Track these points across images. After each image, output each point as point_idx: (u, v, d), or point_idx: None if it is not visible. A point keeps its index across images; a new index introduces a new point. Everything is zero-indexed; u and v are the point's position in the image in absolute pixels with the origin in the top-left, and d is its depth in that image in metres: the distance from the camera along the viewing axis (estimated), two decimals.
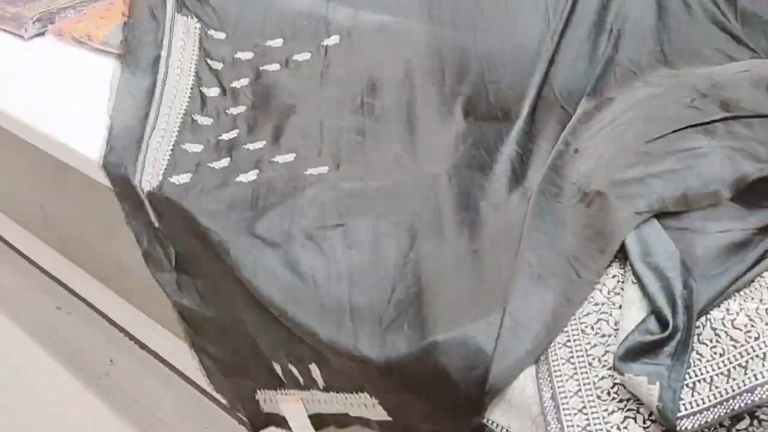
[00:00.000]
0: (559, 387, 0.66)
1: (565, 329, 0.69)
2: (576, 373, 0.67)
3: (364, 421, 0.83)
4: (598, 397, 0.65)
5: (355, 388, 0.80)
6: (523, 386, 0.67)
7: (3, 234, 1.99)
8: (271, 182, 0.95)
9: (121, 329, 1.70)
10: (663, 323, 0.65)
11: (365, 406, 0.80)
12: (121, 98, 1.13)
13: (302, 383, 0.87)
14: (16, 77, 1.33)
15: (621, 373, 0.63)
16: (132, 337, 1.68)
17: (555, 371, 0.67)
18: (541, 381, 0.67)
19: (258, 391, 0.96)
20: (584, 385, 0.66)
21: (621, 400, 0.65)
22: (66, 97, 1.22)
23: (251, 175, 0.97)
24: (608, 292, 0.70)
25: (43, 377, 1.60)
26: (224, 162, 1.01)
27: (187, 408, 1.51)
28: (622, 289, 0.71)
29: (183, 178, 0.98)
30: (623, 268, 0.72)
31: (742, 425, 0.63)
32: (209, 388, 1.05)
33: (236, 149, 1.03)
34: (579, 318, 0.69)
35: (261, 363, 0.91)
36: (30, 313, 1.79)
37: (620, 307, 0.69)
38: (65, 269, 1.75)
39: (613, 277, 0.71)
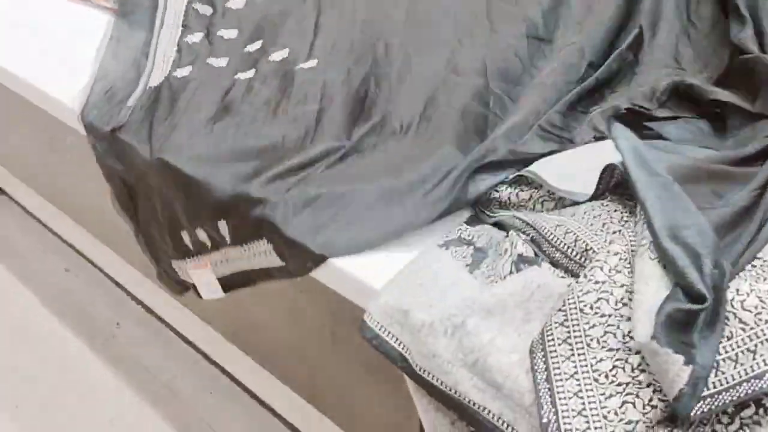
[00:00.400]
0: (554, 369, 0.63)
1: (563, 308, 0.65)
2: (573, 355, 0.63)
3: (265, 273, 0.89)
4: (596, 380, 0.62)
5: (256, 236, 0.85)
6: (516, 375, 0.63)
7: (14, 195, 1.99)
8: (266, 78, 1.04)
9: (128, 293, 1.69)
10: (695, 297, 0.60)
11: (265, 254, 0.86)
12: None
13: (210, 246, 0.94)
14: (17, 33, 1.31)
15: (658, 345, 0.58)
16: (138, 301, 1.67)
17: (551, 352, 0.64)
18: (535, 362, 0.63)
19: (173, 261, 1.04)
20: (581, 367, 0.63)
21: (619, 384, 0.61)
22: (68, 54, 1.19)
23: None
24: (609, 270, 0.66)
25: (48, 338, 1.60)
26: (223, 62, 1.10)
27: (190, 373, 1.51)
28: (627, 267, 0.67)
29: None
30: (629, 246, 0.68)
31: (747, 413, 0.59)
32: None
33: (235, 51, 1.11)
34: (578, 297, 0.65)
35: (173, 234, 1.00)
36: (39, 273, 1.79)
37: (622, 286, 0.65)
38: (74, 231, 1.74)
39: (615, 254, 0.67)
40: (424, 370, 0.68)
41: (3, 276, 1.79)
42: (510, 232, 0.77)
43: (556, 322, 0.65)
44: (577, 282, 0.67)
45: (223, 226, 0.89)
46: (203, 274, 0.98)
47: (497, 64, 0.97)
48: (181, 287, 1.09)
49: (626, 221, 0.74)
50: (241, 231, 0.87)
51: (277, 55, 1.08)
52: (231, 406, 1.44)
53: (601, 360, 0.63)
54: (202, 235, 0.94)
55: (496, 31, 1.03)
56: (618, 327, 0.64)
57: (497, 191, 0.81)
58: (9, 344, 1.59)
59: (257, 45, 1.12)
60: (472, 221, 0.81)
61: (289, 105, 0.98)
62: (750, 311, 0.61)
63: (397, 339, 0.72)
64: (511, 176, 0.82)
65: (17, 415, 1.43)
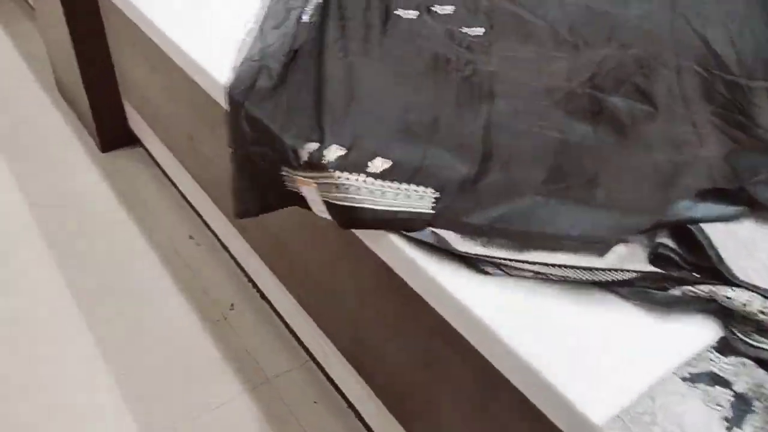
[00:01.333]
0: None
1: None
2: None
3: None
4: None
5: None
6: None
7: (152, 150, 2.00)
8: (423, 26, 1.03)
9: (246, 275, 1.65)
10: None
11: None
12: None
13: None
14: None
15: None
16: (255, 286, 1.63)
17: None
18: None
19: (284, 169, 0.91)
20: None
21: None
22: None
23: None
24: None
25: (163, 306, 1.59)
26: None
27: (298, 375, 1.45)
28: None
29: None
30: None
31: None
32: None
33: None
34: None
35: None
36: (163, 235, 1.79)
37: None
38: (203, 201, 1.72)
39: None
40: None
41: (130, 229, 1.80)
42: None
43: None
44: None
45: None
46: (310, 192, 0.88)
47: None
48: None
49: None
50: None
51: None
52: (333, 421, 1.37)
53: None
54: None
55: None
56: None
57: (764, 312, 0.64)
58: (124, 302, 1.59)
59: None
60: (723, 347, 0.64)
61: None
62: None
63: None
64: None
65: (122, 381, 1.43)
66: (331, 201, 0.81)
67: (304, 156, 0.83)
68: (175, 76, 1.39)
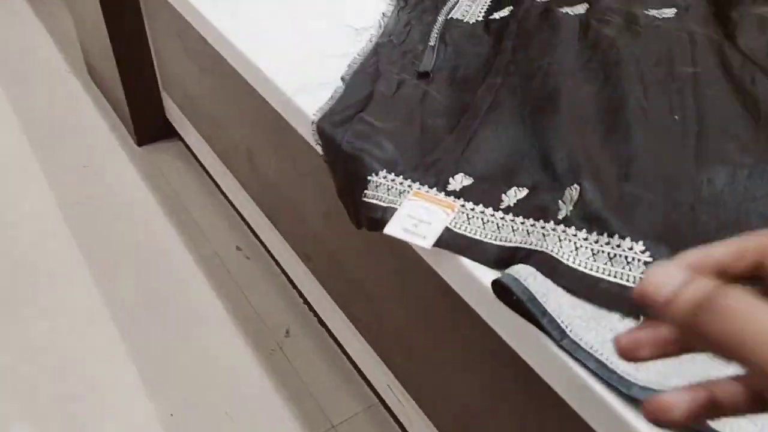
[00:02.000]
0: None
1: None
2: None
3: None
4: None
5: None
6: None
7: (197, 152, 1.83)
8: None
9: (302, 296, 1.49)
10: None
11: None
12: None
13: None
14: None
15: None
16: (311, 308, 1.47)
17: None
18: None
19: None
20: None
21: None
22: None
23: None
24: None
25: (209, 333, 1.43)
26: None
27: (365, 419, 1.29)
28: None
29: None
30: None
31: None
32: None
33: None
34: None
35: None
36: (207, 247, 1.62)
37: None
38: (252, 208, 1.55)
39: None
40: None
41: (173, 237, 1.64)
42: None
43: None
44: None
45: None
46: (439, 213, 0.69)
47: None
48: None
49: None
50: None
51: None
52: None
53: None
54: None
55: None
56: None
57: None
58: (164, 325, 1.43)
59: None
60: None
61: None
62: None
63: None
64: None
65: (171, 425, 1.27)
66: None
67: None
68: (231, 83, 1.21)
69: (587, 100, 0.75)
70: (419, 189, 0.69)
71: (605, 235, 0.59)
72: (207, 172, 1.80)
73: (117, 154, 1.91)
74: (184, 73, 1.60)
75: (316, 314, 1.46)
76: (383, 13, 1.00)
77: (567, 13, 0.90)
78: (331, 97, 0.84)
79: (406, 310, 1.04)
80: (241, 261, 1.60)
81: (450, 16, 0.96)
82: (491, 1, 0.99)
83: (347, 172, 0.75)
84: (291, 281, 1.52)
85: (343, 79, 0.86)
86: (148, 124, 1.91)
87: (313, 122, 0.81)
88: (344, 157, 0.76)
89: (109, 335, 1.41)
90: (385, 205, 0.69)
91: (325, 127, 0.80)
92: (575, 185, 0.64)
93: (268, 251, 1.58)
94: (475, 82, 0.83)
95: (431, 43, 0.91)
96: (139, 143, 1.93)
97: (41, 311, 1.46)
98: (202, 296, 1.51)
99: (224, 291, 1.51)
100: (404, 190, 0.69)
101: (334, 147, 0.78)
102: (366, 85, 0.84)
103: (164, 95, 1.84)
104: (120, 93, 1.84)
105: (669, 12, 0.87)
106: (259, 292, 1.52)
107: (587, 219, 0.60)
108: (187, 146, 1.89)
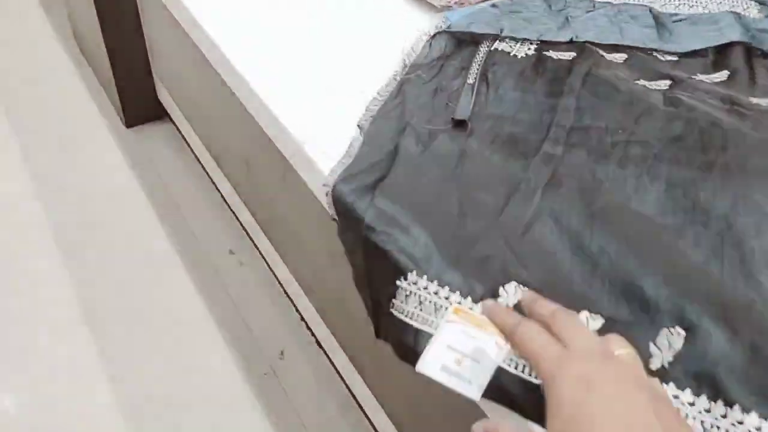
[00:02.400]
0: None
1: None
2: None
3: None
4: None
5: None
6: None
7: (192, 143, 1.69)
8: None
9: (298, 312, 1.38)
10: None
11: None
12: None
13: None
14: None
15: None
16: (308, 327, 1.36)
17: None
18: None
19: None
20: None
21: None
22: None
23: None
24: None
25: (197, 349, 1.32)
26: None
27: None
28: None
29: None
30: None
31: None
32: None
33: None
34: None
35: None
36: (198, 249, 1.50)
37: None
38: (250, 218, 1.43)
39: None
40: None
41: (161, 238, 1.52)
42: None
43: None
44: None
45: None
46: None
47: None
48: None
49: None
50: None
51: None
52: None
53: None
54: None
55: None
56: None
57: None
58: (149, 336, 1.33)
59: None
60: None
61: None
62: None
63: None
64: None
65: None
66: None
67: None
68: (226, 92, 1.07)
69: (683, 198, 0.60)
70: (460, 304, 0.56)
71: (720, 402, 0.46)
72: (198, 161, 1.67)
73: (103, 136, 1.77)
74: (179, 72, 1.46)
75: (313, 334, 1.35)
76: (412, 47, 0.83)
77: (645, 86, 0.75)
78: (347, 153, 0.69)
79: None
80: (234, 267, 1.48)
81: (494, 47, 0.81)
82: (544, 31, 0.83)
83: (370, 268, 0.62)
84: (287, 295, 1.41)
85: (360, 127, 0.72)
86: (137, 105, 1.76)
87: (326, 185, 0.67)
88: (365, 244, 0.62)
89: (85, 347, 1.30)
90: (417, 326, 0.56)
91: (341, 193, 0.65)
92: (676, 327, 0.51)
93: (263, 256, 1.47)
94: (526, 145, 0.67)
95: (470, 81, 0.75)
96: (128, 124, 1.78)
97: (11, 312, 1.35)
98: (188, 306, 1.39)
99: (214, 301, 1.40)
100: (441, 305, 0.56)
101: (352, 224, 0.64)
102: (389, 138, 0.69)
103: (156, 80, 1.69)
104: (107, 69, 1.69)
105: None
106: (253, 306, 1.41)
107: (696, 377, 0.47)
108: (178, 129, 1.75)
